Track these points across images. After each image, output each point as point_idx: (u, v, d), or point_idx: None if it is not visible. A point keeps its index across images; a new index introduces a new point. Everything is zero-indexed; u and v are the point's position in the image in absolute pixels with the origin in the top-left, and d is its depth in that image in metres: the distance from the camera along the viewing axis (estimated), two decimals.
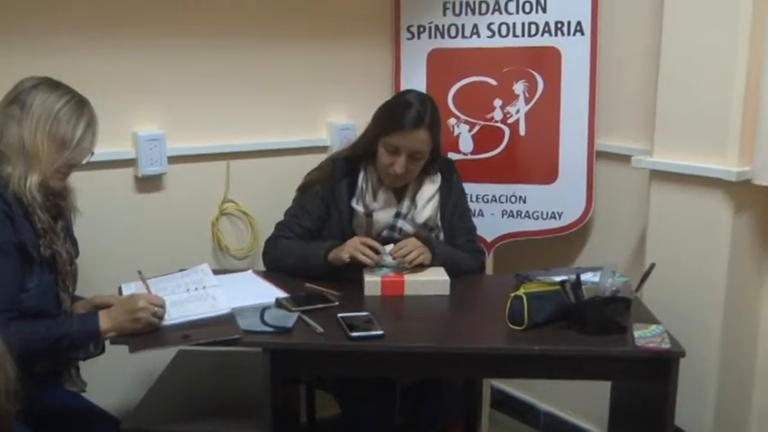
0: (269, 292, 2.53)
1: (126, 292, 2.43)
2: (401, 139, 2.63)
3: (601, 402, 2.91)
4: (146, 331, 2.21)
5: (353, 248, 2.58)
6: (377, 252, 2.60)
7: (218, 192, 3.01)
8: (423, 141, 2.64)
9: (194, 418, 2.41)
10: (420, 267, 2.63)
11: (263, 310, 2.34)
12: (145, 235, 2.87)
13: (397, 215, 2.74)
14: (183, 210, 2.94)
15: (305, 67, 3.15)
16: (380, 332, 2.24)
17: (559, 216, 3.24)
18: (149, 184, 2.86)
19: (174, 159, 2.87)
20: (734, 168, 2.60)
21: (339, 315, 2.34)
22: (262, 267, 2.84)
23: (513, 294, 2.34)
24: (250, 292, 2.52)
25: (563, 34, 3.13)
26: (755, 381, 2.87)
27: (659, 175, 2.82)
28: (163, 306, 2.26)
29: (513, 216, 3.29)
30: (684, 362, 2.21)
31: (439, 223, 2.80)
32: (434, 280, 2.60)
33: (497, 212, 3.31)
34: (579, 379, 2.55)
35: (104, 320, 2.20)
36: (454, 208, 2.83)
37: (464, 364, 2.35)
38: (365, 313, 2.37)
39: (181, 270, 2.64)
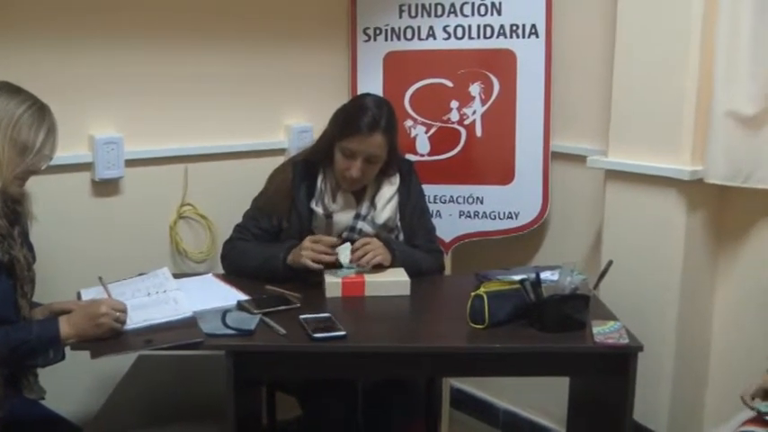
0: (230, 295, 2.52)
1: (85, 297, 2.41)
2: (357, 144, 2.64)
3: (559, 399, 2.95)
4: (107, 337, 2.19)
5: (312, 253, 2.58)
6: (332, 246, 2.61)
7: (176, 195, 3.00)
8: (378, 145, 2.66)
9: (156, 423, 2.40)
10: (380, 268, 2.65)
11: (225, 312, 2.33)
12: (103, 239, 2.84)
13: (357, 216, 2.76)
14: (140, 214, 2.91)
15: (262, 70, 3.15)
16: (343, 333, 2.25)
17: (516, 216, 3.28)
18: (107, 187, 2.83)
19: (131, 163, 2.84)
20: (687, 167, 2.67)
21: (301, 316, 2.34)
22: (221, 270, 2.83)
23: (473, 293, 2.36)
24: (211, 296, 2.52)
25: (518, 36, 3.17)
26: (710, 374, 2.94)
27: (614, 175, 2.87)
28: (125, 311, 2.24)
29: (470, 217, 3.33)
30: (641, 357, 2.26)
31: (398, 224, 2.82)
32: (395, 281, 2.62)
33: (455, 213, 3.34)
34: (541, 375, 2.60)
35: (65, 326, 2.17)
36: (413, 208, 2.85)
37: (427, 364, 2.37)
38: (327, 314, 2.37)
39: (140, 274, 2.61)
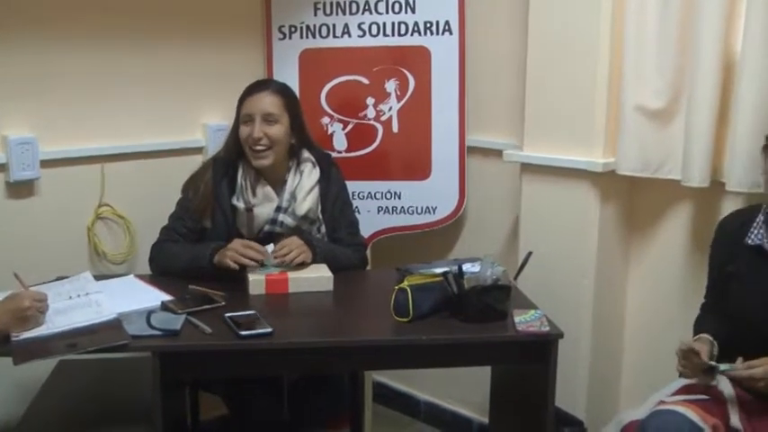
0: (153, 296, 2.51)
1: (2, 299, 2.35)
2: (250, 106, 2.73)
3: (481, 389, 3.03)
4: (31, 328, 2.17)
5: (235, 254, 2.59)
6: (259, 252, 2.62)
7: (93, 196, 2.94)
8: (271, 103, 2.73)
9: (82, 428, 2.36)
10: (302, 265, 2.66)
11: (150, 313, 2.31)
12: (18, 243, 2.76)
13: (278, 209, 2.77)
14: (57, 215, 2.85)
15: (178, 68, 3.12)
16: (269, 329, 2.26)
17: (434, 210, 3.33)
18: (22, 189, 2.76)
19: (46, 164, 2.78)
20: (599, 160, 2.76)
21: (226, 315, 2.34)
22: (141, 271, 2.81)
23: (397, 287, 2.39)
24: (134, 297, 2.49)
25: (432, 33, 3.22)
26: (624, 358, 3.05)
27: (529, 168, 2.95)
28: (45, 300, 2.22)
29: (388, 212, 3.37)
30: (559, 343, 2.32)
31: (320, 216, 2.84)
32: (318, 276, 2.63)
33: (373, 209, 3.37)
34: (466, 365, 2.64)
35: None
36: (335, 201, 2.88)
37: (355, 357, 2.40)
38: (252, 312, 2.38)
39: (59, 278, 2.57)
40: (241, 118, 2.75)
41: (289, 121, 2.76)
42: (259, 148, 2.71)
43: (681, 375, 2.26)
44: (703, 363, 2.18)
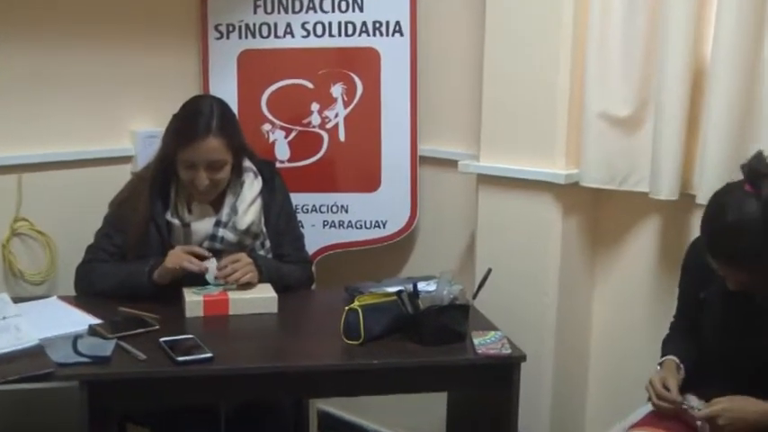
0: (80, 320, 2.48)
1: None
2: (192, 153, 2.64)
3: (434, 417, 3.03)
4: None
5: (179, 258, 2.59)
6: (203, 258, 2.63)
7: (8, 209, 2.88)
8: (215, 150, 2.65)
9: None
10: (248, 285, 2.66)
11: (76, 338, 2.28)
12: None
13: (218, 224, 2.74)
14: None
15: (104, 71, 3.08)
16: (209, 355, 2.25)
17: (384, 225, 3.34)
18: None
19: None
20: (562, 171, 2.79)
21: (161, 339, 2.33)
22: (63, 293, 2.77)
23: (347, 308, 2.40)
24: (58, 321, 2.46)
25: (381, 35, 3.23)
26: (589, 380, 3.08)
27: (487, 180, 2.97)
28: None
29: (335, 226, 3.36)
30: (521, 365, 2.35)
31: (264, 229, 2.83)
32: (261, 297, 2.63)
33: (318, 223, 3.36)
34: (422, 391, 2.63)
35: None
36: (279, 213, 2.87)
37: (302, 384, 2.39)
38: (189, 336, 2.36)
39: None
40: (181, 161, 2.66)
41: (233, 156, 2.71)
42: (204, 191, 2.68)
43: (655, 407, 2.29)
44: (675, 401, 2.23)
